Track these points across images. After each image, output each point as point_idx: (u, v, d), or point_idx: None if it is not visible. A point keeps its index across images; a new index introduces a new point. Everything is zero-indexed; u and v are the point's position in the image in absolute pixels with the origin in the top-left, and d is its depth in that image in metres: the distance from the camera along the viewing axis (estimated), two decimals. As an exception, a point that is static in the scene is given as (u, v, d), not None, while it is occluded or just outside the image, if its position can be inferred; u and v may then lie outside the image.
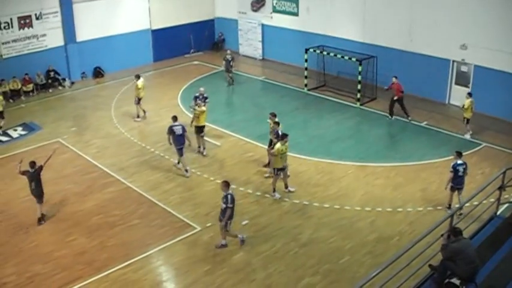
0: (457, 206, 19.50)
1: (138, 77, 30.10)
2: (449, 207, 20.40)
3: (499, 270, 12.41)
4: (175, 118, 24.00)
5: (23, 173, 20.35)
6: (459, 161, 20.11)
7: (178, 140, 23.58)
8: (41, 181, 20.45)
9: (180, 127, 23.60)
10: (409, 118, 29.50)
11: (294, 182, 23.04)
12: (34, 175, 20.27)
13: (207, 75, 37.98)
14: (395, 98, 29.30)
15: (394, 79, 29.43)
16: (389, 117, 29.91)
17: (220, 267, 17.55)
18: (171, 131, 23.54)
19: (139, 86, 29.69)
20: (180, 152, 23.70)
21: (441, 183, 22.53)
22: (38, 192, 20.40)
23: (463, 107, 26.78)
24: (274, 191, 21.86)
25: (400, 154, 25.43)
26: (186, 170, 23.80)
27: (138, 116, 30.21)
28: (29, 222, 20.38)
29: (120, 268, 17.67)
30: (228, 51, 37.39)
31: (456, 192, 20.20)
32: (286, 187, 22.12)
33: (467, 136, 27.07)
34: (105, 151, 26.38)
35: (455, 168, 19.99)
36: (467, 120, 26.92)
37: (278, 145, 21.36)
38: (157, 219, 20.58)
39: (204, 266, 17.68)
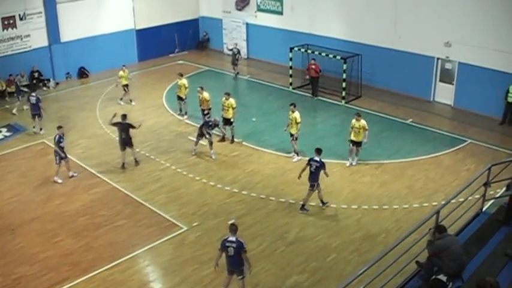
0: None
1: (181, 75, 30.58)
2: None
3: (485, 266, 12.46)
4: (30, 91, 29.74)
5: (115, 124, 24.26)
6: (315, 158, 20.50)
7: (33, 108, 28.07)
8: (129, 131, 24.21)
9: (34, 98, 28.05)
10: (315, 98, 33.00)
11: (280, 180, 23.12)
12: (125, 126, 24.06)
13: (192, 75, 37.87)
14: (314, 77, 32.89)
15: (312, 61, 32.72)
16: (313, 96, 33.42)
17: (207, 266, 17.47)
18: (28, 100, 28.43)
19: (180, 84, 30.25)
20: (34, 117, 28.25)
21: (427, 180, 22.75)
22: (127, 140, 24.29)
23: (295, 122, 24.55)
24: None
25: (385, 151, 25.50)
26: (41, 129, 28.42)
27: (180, 111, 30.73)
28: (15, 224, 20.28)
29: (107, 269, 17.61)
30: (235, 44, 38.37)
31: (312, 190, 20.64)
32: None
33: (296, 158, 24.92)
34: (90, 152, 26.29)
35: (308, 163, 20.55)
36: (295, 137, 24.84)
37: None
38: (144, 219, 20.53)
39: (191, 265, 17.68)
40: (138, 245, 18.86)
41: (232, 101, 26.59)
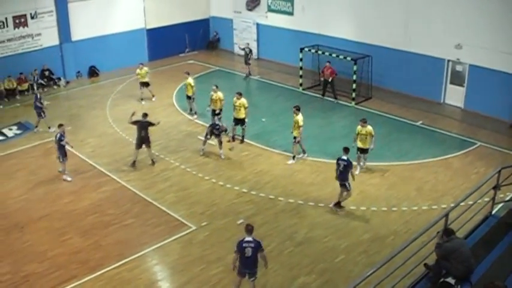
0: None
1: (187, 74, 30.57)
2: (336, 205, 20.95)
3: (494, 269, 12.42)
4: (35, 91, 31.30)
5: (134, 122, 24.30)
6: (343, 157, 20.40)
7: (36, 107, 28.48)
8: (148, 129, 24.36)
9: (34, 96, 29.15)
10: (336, 101, 32.64)
11: (289, 180, 23.09)
12: (145, 124, 24.22)
13: (202, 75, 37.93)
14: (329, 80, 32.36)
15: (327, 63, 32.37)
16: (322, 97, 33.37)
17: (215, 266, 17.55)
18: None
19: (186, 83, 30.28)
20: (39, 116, 28.60)
21: (436, 183, 22.66)
22: (146, 138, 24.40)
23: (297, 125, 24.32)
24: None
25: (395, 153, 25.44)
26: (49, 127, 28.36)
27: (190, 110, 30.77)
28: (24, 222, 20.35)
29: (115, 267, 17.64)
30: (247, 44, 38.44)
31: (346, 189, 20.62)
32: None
33: (291, 161, 24.94)
34: (100, 150, 26.35)
35: (337, 162, 20.55)
36: (298, 140, 24.62)
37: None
38: (152, 218, 20.55)
39: (199, 265, 17.67)
40: (146, 244, 18.88)
41: (244, 100, 26.50)
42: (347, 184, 20.41)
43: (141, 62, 33.48)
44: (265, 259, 15.39)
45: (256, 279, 15.54)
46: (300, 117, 24.22)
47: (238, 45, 41.05)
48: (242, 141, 26.80)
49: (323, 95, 33.23)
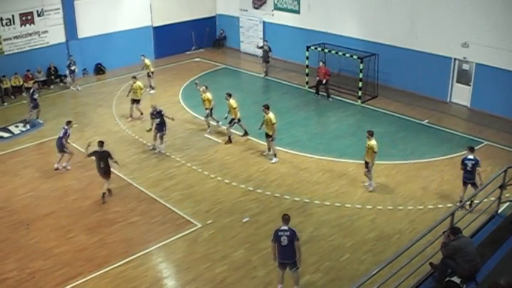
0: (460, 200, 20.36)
1: (134, 78, 30.17)
2: (460, 201, 20.37)
3: (500, 268, 12.39)
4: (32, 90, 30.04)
5: (91, 154, 21.73)
6: (469, 156, 20.18)
7: (32, 100, 29.06)
8: (108, 161, 21.55)
9: (32, 90, 29.33)
10: (330, 99, 32.50)
11: (295, 179, 23.06)
12: (104, 155, 21.52)
13: (208, 72, 37.94)
14: (323, 81, 32.39)
15: (321, 63, 32.45)
16: (316, 95, 33.41)
17: (220, 264, 17.57)
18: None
19: (135, 87, 29.65)
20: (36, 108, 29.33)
21: (442, 182, 22.62)
22: (107, 171, 21.70)
23: (270, 123, 24.31)
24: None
25: (401, 152, 25.39)
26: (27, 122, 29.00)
27: (130, 116, 30.12)
28: (30, 219, 20.43)
29: (120, 265, 17.70)
30: (265, 41, 38.28)
31: (467, 186, 20.36)
32: None
33: (274, 160, 24.81)
34: (106, 148, 26.31)
35: (463, 162, 20.26)
36: (273, 138, 24.64)
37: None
38: (158, 216, 20.60)
39: (205, 263, 17.69)
40: (151, 242, 18.93)
41: (231, 101, 26.30)
42: (475, 183, 20.22)
43: (143, 54, 34.08)
44: (299, 250, 15.30)
45: (298, 268, 15.59)
46: (271, 116, 24.18)
47: (256, 44, 40.81)
48: (229, 141, 26.71)
49: (316, 93, 33.26)
